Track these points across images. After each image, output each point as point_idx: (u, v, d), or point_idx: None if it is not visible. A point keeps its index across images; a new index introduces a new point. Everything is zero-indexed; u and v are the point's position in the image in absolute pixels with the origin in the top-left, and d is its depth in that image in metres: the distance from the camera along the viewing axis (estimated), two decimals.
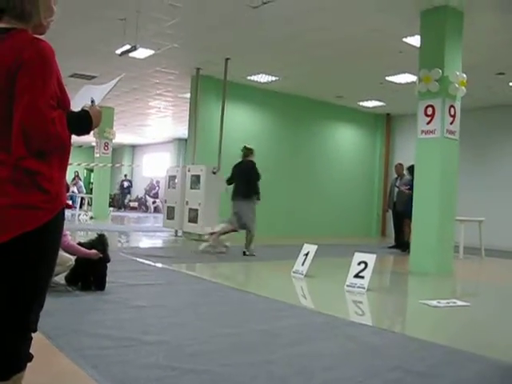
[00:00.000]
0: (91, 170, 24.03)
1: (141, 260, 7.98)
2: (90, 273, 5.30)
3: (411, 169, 11.76)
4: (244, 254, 9.49)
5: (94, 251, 5.23)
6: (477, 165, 15.28)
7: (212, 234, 9.76)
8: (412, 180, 11.29)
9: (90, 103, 2.36)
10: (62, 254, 4.93)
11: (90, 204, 20.94)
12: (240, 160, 9.95)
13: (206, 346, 3.57)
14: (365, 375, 3.14)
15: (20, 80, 2.04)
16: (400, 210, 11.96)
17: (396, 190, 12.41)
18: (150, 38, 10.41)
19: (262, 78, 13.60)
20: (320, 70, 12.56)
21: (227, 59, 11.95)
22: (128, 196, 29.12)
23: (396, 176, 12.83)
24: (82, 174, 29.46)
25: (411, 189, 11.27)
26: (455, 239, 9.05)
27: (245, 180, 9.61)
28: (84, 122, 2.27)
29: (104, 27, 9.95)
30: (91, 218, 17.67)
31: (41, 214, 2.08)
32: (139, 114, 20.23)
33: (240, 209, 9.54)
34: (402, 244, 12.00)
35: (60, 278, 5.27)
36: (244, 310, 4.88)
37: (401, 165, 12.71)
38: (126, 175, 29.70)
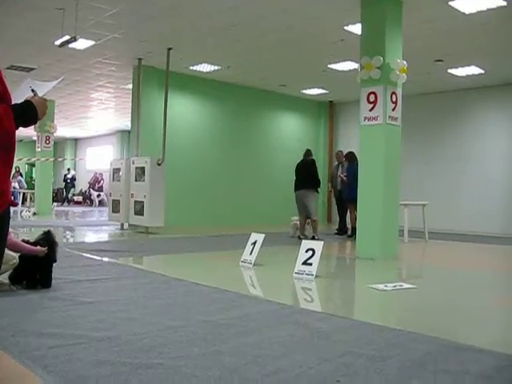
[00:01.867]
0: (33, 165, 23.46)
1: (87, 255, 7.85)
2: (35, 270, 5.17)
3: (349, 156, 11.96)
4: (313, 238, 10.62)
5: (39, 248, 5.10)
6: (419, 150, 15.63)
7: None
8: (352, 167, 11.50)
9: (31, 94, 2.31)
10: (6, 252, 4.80)
11: (32, 200, 20.45)
12: (302, 159, 11.73)
13: (156, 340, 3.54)
14: (316, 361, 3.17)
15: None
16: (345, 197, 12.15)
17: (339, 177, 12.63)
18: (89, 29, 10.21)
19: (205, 68, 13.54)
20: (262, 59, 12.57)
21: (169, 49, 11.82)
22: (72, 190, 28.56)
23: (337, 163, 13.07)
24: (24, 169, 28.75)
25: (349, 175, 11.50)
26: (400, 223, 9.23)
27: (309, 174, 11.30)
28: (29, 112, 2.22)
29: (42, 17, 9.68)
30: (34, 213, 17.25)
31: None
32: (81, 107, 19.85)
33: (306, 198, 11.13)
34: (345, 230, 12.60)
35: (4, 278, 5.12)
36: (194, 302, 4.85)
37: (341, 152, 12.97)
38: (69, 169, 29.11)
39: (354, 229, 11.55)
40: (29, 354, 3.17)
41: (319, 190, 11.52)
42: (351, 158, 11.83)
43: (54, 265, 5.31)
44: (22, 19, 9.84)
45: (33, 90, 2.35)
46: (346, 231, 12.57)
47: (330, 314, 4.56)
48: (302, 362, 3.14)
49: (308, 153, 11.84)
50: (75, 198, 28.41)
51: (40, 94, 2.39)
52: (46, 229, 5.43)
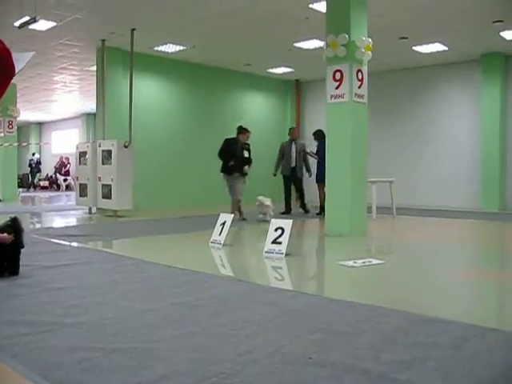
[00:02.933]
0: None
1: (55, 241, 7.76)
2: (2, 258, 5.08)
3: (318, 134, 11.97)
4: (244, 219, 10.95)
5: (6, 235, 5.02)
6: (385, 127, 15.76)
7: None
8: (322, 144, 11.53)
9: None
10: None
11: None
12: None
13: (128, 324, 3.53)
14: (288, 339, 3.21)
15: None
16: (300, 176, 12.33)
17: (293, 154, 12.25)
18: (50, 9, 9.99)
19: (170, 48, 13.39)
20: (227, 38, 12.48)
21: (133, 30, 11.66)
22: (38, 175, 28.12)
23: (290, 139, 12.60)
24: None
25: (321, 154, 11.53)
26: (368, 200, 9.32)
27: (227, 157, 11.13)
28: None
29: None
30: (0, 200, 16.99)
31: None
32: (44, 90, 19.47)
33: (229, 182, 11.15)
34: (289, 210, 12.32)
35: None
36: (164, 284, 4.84)
37: (294, 128, 12.94)
38: (34, 153, 28.65)
39: (322, 207, 11.64)
40: None
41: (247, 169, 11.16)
42: (320, 135, 11.82)
43: (22, 251, 5.24)
44: None
45: None
46: (289, 211, 12.22)
47: (300, 292, 4.61)
48: (274, 341, 3.17)
49: (239, 130, 11.52)
50: (41, 183, 28.00)
51: (21, 66, 2.35)
52: (12, 215, 5.34)
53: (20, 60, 2.41)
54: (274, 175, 12.53)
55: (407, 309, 3.91)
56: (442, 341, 3.16)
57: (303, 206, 12.61)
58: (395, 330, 3.40)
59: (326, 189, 9.00)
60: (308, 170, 12.52)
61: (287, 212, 12.18)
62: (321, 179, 11.52)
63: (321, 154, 11.40)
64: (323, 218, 11.00)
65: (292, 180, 12.46)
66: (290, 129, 13.07)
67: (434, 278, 5.41)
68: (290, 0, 9.68)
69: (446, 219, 11.63)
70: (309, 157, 12.44)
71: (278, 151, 12.55)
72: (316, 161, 12.17)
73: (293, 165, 12.22)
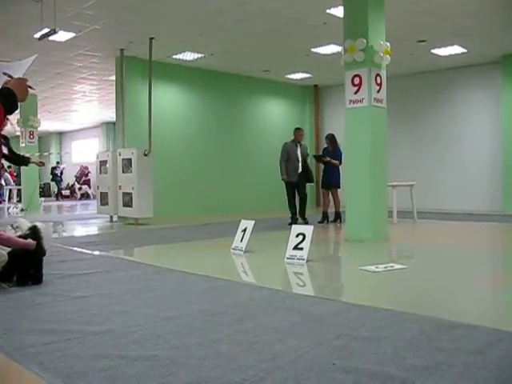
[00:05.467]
0: None
1: (77, 249, 7.83)
2: (26, 266, 5.13)
3: (333, 139, 11.82)
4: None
5: (31, 241, 5.07)
6: (404, 131, 15.70)
7: None
8: (339, 150, 11.48)
9: (6, 78, 2.28)
10: None
11: (18, 196, 20.32)
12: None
13: (151, 332, 3.55)
14: (311, 345, 3.20)
15: None
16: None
17: (300, 158, 11.02)
18: (69, 20, 10.11)
19: (188, 56, 13.47)
20: (245, 45, 12.52)
21: (151, 39, 11.75)
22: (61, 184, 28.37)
23: (295, 142, 11.22)
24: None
25: (338, 159, 11.42)
26: (388, 204, 9.27)
27: None
28: (11, 99, 2.19)
29: (20, 10, 9.55)
30: (22, 210, 17.15)
31: None
32: (64, 100, 19.68)
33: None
34: (296, 219, 11.05)
35: None
36: (186, 292, 4.86)
37: (302, 130, 11.51)
38: (58, 162, 28.92)
39: (337, 213, 11.53)
40: (24, 352, 3.16)
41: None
42: (335, 141, 11.74)
43: (45, 260, 5.29)
44: (1, 13, 9.72)
45: (4, 73, 2.32)
46: (296, 221, 10.81)
47: (322, 298, 4.59)
48: (297, 347, 3.16)
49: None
50: (63, 192, 28.26)
51: (20, 75, 2.36)
52: (32, 224, 5.38)
53: (15, 69, 2.42)
54: (283, 180, 11.19)
55: (430, 314, 3.88)
56: (467, 346, 3.13)
57: (303, 214, 11.23)
58: (418, 335, 3.37)
59: (345, 194, 8.95)
60: (311, 176, 11.45)
61: (294, 222, 10.60)
62: (336, 185, 11.48)
63: (340, 159, 11.35)
64: (339, 224, 10.98)
65: (296, 187, 11.18)
66: (296, 129, 11.45)
67: (457, 283, 5.36)
68: (308, 6, 9.68)
69: (468, 222, 11.53)
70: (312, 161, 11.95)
71: (280, 153, 11.23)
72: (322, 165, 12.02)
73: (300, 171, 11.06)
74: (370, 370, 2.76)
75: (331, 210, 11.64)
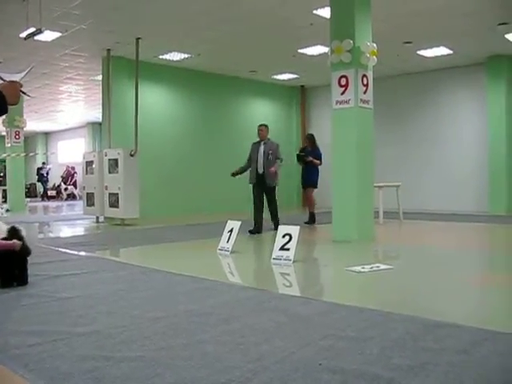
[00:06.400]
0: (3, 161, 23.17)
1: (63, 250, 7.78)
2: (10, 267, 5.09)
3: (312, 139, 11.77)
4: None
5: (15, 241, 5.03)
6: (390, 132, 15.78)
7: None
8: (318, 150, 11.46)
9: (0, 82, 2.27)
10: None
11: (4, 196, 20.18)
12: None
13: (137, 332, 3.54)
14: (297, 345, 3.20)
15: None
16: (271, 184, 9.84)
17: (260, 158, 9.79)
18: (55, 20, 10.05)
19: (175, 56, 13.46)
20: (232, 46, 12.52)
21: (138, 39, 11.71)
22: (47, 184, 28.21)
23: (259, 140, 10.09)
24: None
25: (318, 159, 11.37)
26: (375, 205, 9.30)
27: None
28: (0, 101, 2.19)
29: (5, 9, 9.47)
30: (7, 210, 17.04)
31: None
32: (50, 100, 19.58)
33: None
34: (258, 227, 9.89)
35: None
36: (172, 292, 4.84)
37: (266, 127, 10.21)
38: (44, 163, 28.77)
39: (312, 214, 11.50)
40: (8, 353, 3.14)
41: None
42: (314, 140, 11.68)
43: (31, 261, 5.26)
44: None
45: None
46: (260, 229, 9.79)
47: (309, 298, 4.60)
48: (283, 347, 3.17)
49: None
50: (49, 193, 28.08)
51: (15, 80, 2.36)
52: (10, 225, 5.34)
53: (19, 74, 2.42)
54: (232, 175, 10.23)
55: (416, 314, 3.89)
56: (452, 345, 3.15)
57: (275, 219, 10.11)
58: (404, 335, 3.38)
59: (332, 195, 8.94)
60: (267, 179, 9.79)
61: (257, 231, 9.76)
62: (312, 184, 11.46)
63: (320, 159, 11.32)
64: (313, 225, 10.96)
65: (262, 190, 9.97)
66: (260, 126, 10.29)
67: (443, 283, 5.39)
68: (294, 6, 9.70)
69: (453, 223, 11.60)
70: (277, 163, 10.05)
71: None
72: (301, 166, 11.79)
73: (260, 171, 9.78)
74: (356, 370, 2.77)
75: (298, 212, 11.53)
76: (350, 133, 8.58)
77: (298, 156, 11.77)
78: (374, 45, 8.58)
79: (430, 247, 8.22)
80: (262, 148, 9.90)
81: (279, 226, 6.91)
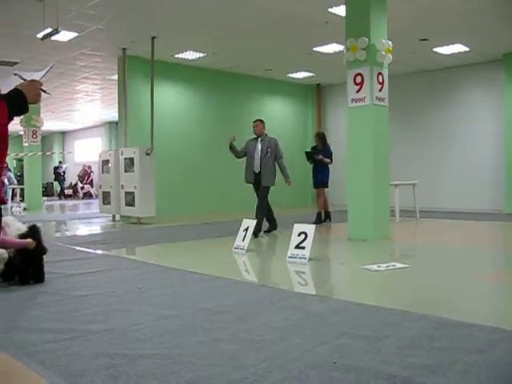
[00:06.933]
0: (20, 160, 23.38)
1: (80, 248, 7.83)
2: (27, 265, 5.13)
3: (324, 137, 11.65)
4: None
5: (29, 240, 5.08)
6: (407, 130, 15.67)
7: None
8: (329, 148, 11.36)
9: (20, 80, 2.30)
10: None
11: (21, 195, 20.35)
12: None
13: (153, 330, 3.55)
14: (313, 344, 3.20)
15: None
16: (266, 184, 9.19)
17: (257, 156, 9.20)
18: (72, 20, 10.10)
19: (190, 55, 13.46)
20: (247, 44, 12.51)
21: (153, 38, 11.74)
22: (63, 183, 28.41)
23: (255, 137, 9.46)
24: (12, 164, 28.56)
25: (329, 158, 11.24)
26: (391, 203, 9.26)
27: None
28: (20, 100, 2.21)
29: (22, 10, 9.56)
30: (24, 209, 17.19)
31: None
32: (67, 99, 19.68)
33: None
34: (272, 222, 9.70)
35: None
36: (188, 290, 4.86)
37: (262, 122, 9.52)
38: (60, 162, 28.97)
39: (327, 213, 11.37)
40: (25, 350, 3.17)
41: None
42: (325, 139, 11.52)
43: (47, 259, 5.30)
44: (3, 12, 9.72)
45: (16, 74, 2.34)
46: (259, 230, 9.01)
47: (324, 297, 4.59)
48: (298, 346, 3.17)
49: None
50: (65, 192, 28.27)
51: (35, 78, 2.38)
52: (31, 224, 5.39)
53: (39, 73, 2.44)
54: (230, 147, 9.38)
55: (432, 312, 3.87)
56: (468, 345, 3.13)
57: (272, 220, 9.67)
58: (420, 334, 3.37)
59: (347, 193, 8.90)
60: (265, 177, 9.18)
61: (271, 229, 9.61)
62: (323, 184, 11.33)
63: (330, 158, 11.22)
64: (328, 224, 10.90)
65: (256, 188, 9.36)
66: (255, 122, 9.58)
67: (459, 282, 5.36)
68: (310, 4, 9.67)
69: (470, 221, 11.51)
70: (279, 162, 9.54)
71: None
72: (312, 165, 11.51)
73: (256, 170, 9.20)
74: (371, 369, 2.76)
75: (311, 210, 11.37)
76: (366, 131, 8.55)
77: (307, 154, 11.49)
78: (390, 42, 8.54)
79: (447, 246, 8.17)
80: (259, 145, 9.26)
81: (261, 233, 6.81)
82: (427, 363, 2.84)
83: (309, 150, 11.61)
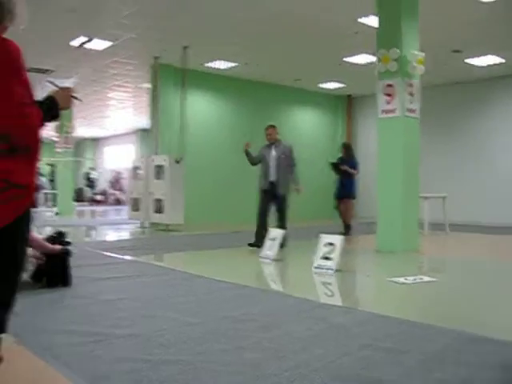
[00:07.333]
0: (53, 165, 23.73)
1: (108, 253, 7.91)
2: (55, 268, 5.22)
3: (350, 148, 11.57)
4: None
5: (56, 247, 5.17)
6: (438, 142, 15.52)
7: None
8: (355, 159, 11.30)
9: (54, 88, 2.36)
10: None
11: (53, 200, 20.64)
12: None
13: (177, 337, 3.57)
14: (335, 355, 3.18)
15: None
16: (283, 192, 8.70)
17: (271, 163, 8.77)
18: (106, 29, 10.27)
19: (221, 65, 13.56)
20: (278, 55, 12.56)
21: (185, 47, 11.85)
22: (94, 189, 28.77)
23: (269, 143, 9.08)
24: (44, 169, 28.98)
25: (356, 169, 11.14)
26: (420, 216, 9.17)
27: None
28: (52, 107, 2.28)
29: (59, 19, 9.74)
30: (56, 213, 17.43)
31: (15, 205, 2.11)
32: (99, 106, 19.97)
33: None
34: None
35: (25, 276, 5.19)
36: (213, 298, 4.87)
37: (274, 127, 9.12)
38: (91, 168, 29.34)
39: (348, 226, 11.20)
40: (51, 352, 3.22)
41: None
42: (351, 150, 11.50)
43: (76, 263, 5.37)
44: (39, 21, 9.91)
45: (51, 82, 2.41)
46: (261, 240, 8.10)
47: (349, 308, 4.56)
48: (321, 356, 3.15)
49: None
50: (96, 197, 28.60)
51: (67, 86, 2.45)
52: (58, 230, 5.49)
53: (70, 81, 2.52)
54: (246, 152, 9.15)
55: (458, 327, 3.82)
56: (495, 361, 3.08)
57: (260, 237, 8.50)
58: (445, 348, 3.32)
59: (377, 205, 8.84)
60: (281, 187, 8.70)
61: (255, 244, 8.57)
62: (349, 195, 11.24)
63: (355, 168, 11.12)
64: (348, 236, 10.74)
65: (272, 198, 8.81)
66: (268, 128, 9.22)
67: (487, 297, 5.27)
68: (340, 15, 9.68)
69: (501, 236, 11.33)
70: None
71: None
72: (336, 175, 11.36)
73: (272, 178, 8.73)
74: (394, 382, 2.74)
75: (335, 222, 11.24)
76: (396, 142, 8.50)
77: (331, 164, 11.36)
78: (422, 53, 8.48)
79: (476, 260, 8.05)
80: (273, 152, 8.85)
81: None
82: (451, 378, 2.80)
83: (334, 160, 11.50)
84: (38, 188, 5.51)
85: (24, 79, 2.14)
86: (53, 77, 12.55)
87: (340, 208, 11.28)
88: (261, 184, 8.94)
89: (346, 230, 11.07)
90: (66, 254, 5.26)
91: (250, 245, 8.60)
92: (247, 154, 9.13)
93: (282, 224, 8.70)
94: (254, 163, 9.21)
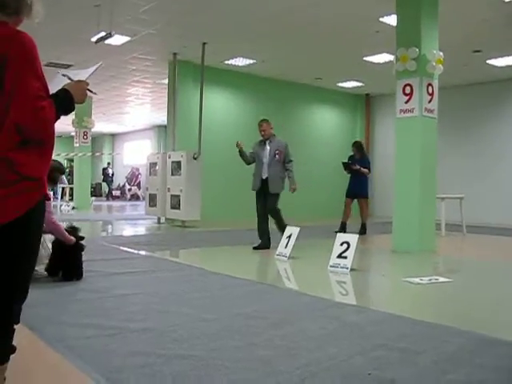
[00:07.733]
0: (71, 160, 23.90)
1: (124, 248, 7.96)
2: (70, 262, 5.26)
3: (362, 147, 11.45)
4: None
5: (73, 238, 5.21)
6: (456, 143, 15.39)
7: None
8: (367, 158, 11.23)
9: (68, 80, 2.37)
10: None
11: (71, 194, 20.79)
12: None
13: (190, 332, 3.58)
14: (348, 354, 3.17)
15: (10, 75, 2.06)
16: (274, 191, 8.44)
17: (265, 159, 8.61)
18: (125, 25, 10.31)
19: (240, 62, 13.55)
20: (297, 52, 12.52)
21: (204, 43, 11.86)
22: (111, 184, 28.92)
23: (263, 139, 8.87)
24: (63, 164, 29.17)
25: (368, 168, 11.04)
26: (437, 216, 9.11)
27: None
28: (67, 100, 2.29)
29: (78, 14, 9.80)
30: (73, 208, 17.55)
31: (27, 198, 2.13)
32: (117, 102, 20.07)
33: None
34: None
35: (40, 269, 5.24)
36: (227, 294, 4.88)
37: (267, 122, 9.02)
38: (109, 163, 29.50)
39: (363, 225, 11.13)
40: (65, 344, 3.25)
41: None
42: (363, 149, 11.37)
43: (92, 258, 5.41)
44: (60, 17, 9.97)
45: (64, 75, 2.41)
46: (267, 244, 8.44)
47: (363, 307, 4.54)
48: (334, 355, 3.14)
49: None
50: (113, 193, 28.77)
51: (81, 78, 2.46)
52: (72, 224, 5.54)
53: (76, 77, 2.51)
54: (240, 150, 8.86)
55: (472, 329, 3.79)
56: (508, 364, 3.06)
57: (266, 237, 8.60)
58: (459, 349, 3.30)
59: (393, 205, 8.81)
60: (271, 184, 8.43)
61: (264, 246, 8.42)
62: (362, 194, 11.15)
63: (367, 167, 11.02)
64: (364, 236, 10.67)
65: (263, 196, 8.58)
66: (259, 122, 9.05)
67: (503, 299, 5.23)
68: (360, 14, 9.63)
69: None
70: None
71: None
72: (349, 175, 11.22)
73: (264, 175, 8.50)
74: (406, 383, 2.72)
75: (352, 221, 11.19)
76: (414, 142, 8.45)
77: (344, 164, 11.22)
78: (441, 53, 8.41)
79: (493, 262, 7.98)
80: (267, 148, 8.59)
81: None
82: (466, 380, 2.78)
83: (346, 159, 11.43)
84: (55, 182, 5.53)
85: (39, 72, 2.15)
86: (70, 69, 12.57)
87: (346, 207, 11.15)
88: (252, 184, 8.77)
89: (364, 229, 11.03)
90: (78, 249, 5.30)
91: (255, 248, 8.43)
92: (241, 153, 8.83)
93: (278, 225, 8.56)
94: (248, 163, 8.95)
